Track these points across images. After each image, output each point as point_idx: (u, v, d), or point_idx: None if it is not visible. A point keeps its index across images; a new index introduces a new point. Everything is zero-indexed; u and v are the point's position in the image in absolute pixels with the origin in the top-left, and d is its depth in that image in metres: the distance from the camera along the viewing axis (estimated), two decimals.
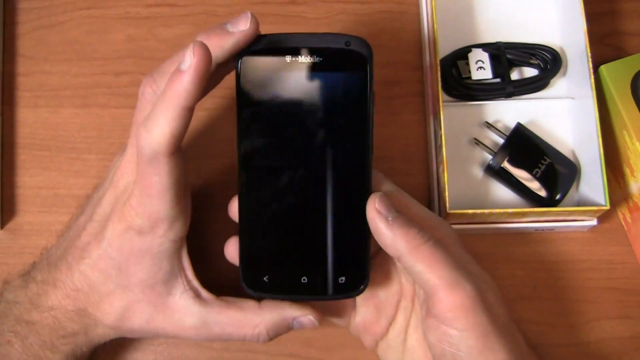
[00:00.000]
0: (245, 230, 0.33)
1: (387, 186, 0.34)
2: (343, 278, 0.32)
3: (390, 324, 0.35)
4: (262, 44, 0.31)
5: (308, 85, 0.31)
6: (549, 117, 0.45)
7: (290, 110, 0.31)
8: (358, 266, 0.33)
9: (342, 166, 0.32)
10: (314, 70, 0.31)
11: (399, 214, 0.31)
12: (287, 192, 0.32)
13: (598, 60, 0.43)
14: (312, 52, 0.31)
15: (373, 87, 0.32)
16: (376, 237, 0.31)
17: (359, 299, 0.36)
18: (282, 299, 0.34)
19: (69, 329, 0.34)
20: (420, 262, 0.30)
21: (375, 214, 0.31)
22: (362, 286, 0.33)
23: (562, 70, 0.45)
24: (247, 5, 0.47)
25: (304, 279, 0.33)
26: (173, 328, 0.34)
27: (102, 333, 0.35)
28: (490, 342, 0.29)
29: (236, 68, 0.31)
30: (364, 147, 0.32)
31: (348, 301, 0.37)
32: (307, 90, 0.31)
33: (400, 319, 0.35)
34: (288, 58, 0.31)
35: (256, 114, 0.32)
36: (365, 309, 0.36)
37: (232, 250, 0.34)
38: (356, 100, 0.31)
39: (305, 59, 0.31)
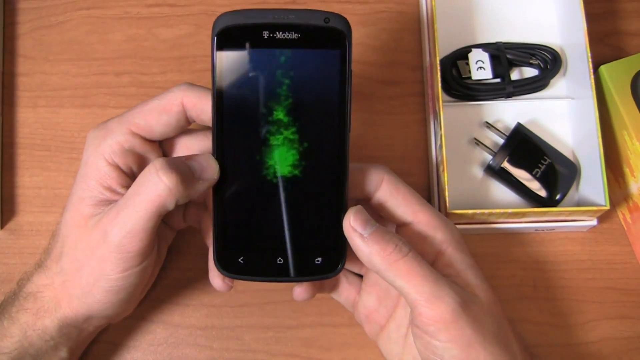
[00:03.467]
0: (219, 211, 0.32)
1: (390, 180, 0.33)
2: (319, 259, 0.32)
3: (390, 315, 0.36)
4: (240, 19, 0.30)
5: (285, 62, 0.30)
6: (549, 117, 0.45)
7: (267, 88, 0.31)
8: (334, 246, 0.32)
9: (318, 144, 0.31)
10: (292, 46, 0.30)
11: (378, 226, 0.31)
12: (261, 172, 0.31)
13: (598, 60, 0.43)
14: (290, 28, 0.30)
15: (351, 64, 0.31)
16: (355, 252, 0.31)
17: (364, 285, 0.36)
18: (257, 281, 0.33)
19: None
20: (399, 277, 0.30)
21: (351, 231, 0.31)
22: (339, 266, 0.32)
23: (562, 70, 0.45)
24: (247, 5, 0.47)
25: (280, 260, 0.32)
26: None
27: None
28: (475, 352, 0.29)
29: (212, 44, 0.30)
30: (341, 124, 0.31)
31: (354, 283, 0.37)
32: (284, 67, 0.30)
33: (400, 313, 0.35)
34: (265, 34, 0.30)
35: (232, 92, 0.31)
36: (367, 297, 0.36)
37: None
38: (334, 78, 0.31)
39: (283, 35, 0.30)
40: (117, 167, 0.33)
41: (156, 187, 0.30)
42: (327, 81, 0.31)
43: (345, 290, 0.38)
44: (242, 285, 0.42)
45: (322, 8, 0.47)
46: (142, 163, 0.34)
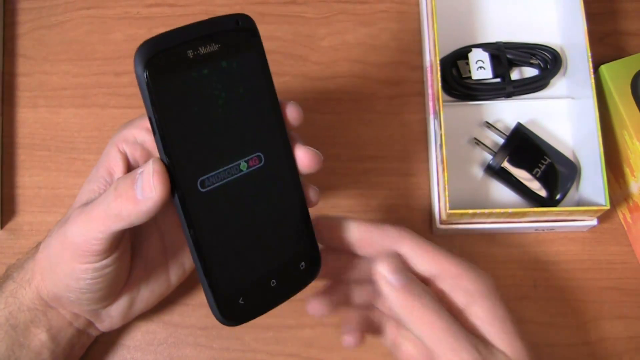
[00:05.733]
0: (204, 263, 0.30)
1: (412, 237, 0.33)
2: (302, 263, 0.32)
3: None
4: (160, 45, 0.28)
5: (217, 74, 0.29)
6: (549, 117, 0.45)
7: (208, 111, 0.29)
8: (309, 244, 0.32)
9: (268, 149, 0.30)
10: (218, 57, 0.29)
11: (409, 277, 0.31)
12: (229, 200, 0.30)
13: (598, 60, 0.43)
14: (210, 40, 0.29)
15: (267, 63, 0.30)
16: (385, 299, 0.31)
17: (403, 329, 0.35)
18: (262, 314, 0.32)
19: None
20: (419, 327, 0.30)
21: (380, 277, 0.31)
22: (319, 262, 0.32)
23: (562, 70, 0.45)
24: (247, 5, 0.47)
25: (273, 282, 0.31)
26: None
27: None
28: None
29: (140, 82, 0.28)
30: (279, 123, 0.31)
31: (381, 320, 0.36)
32: (218, 80, 0.29)
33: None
34: (190, 53, 0.28)
35: (177, 126, 0.28)
36: (406, 341, 0.35)
37: None
38: (261, 77, 0.30)
39: (206, 49, 0.29)
40: (124, 156, 0.33)
41: (109, 206, 0.29)
42: (257, 82, 0.30)
43: (390, 333, 0.37)
44: None
45: (322, 8, 0.48)
46: (146, 159, 0.34)
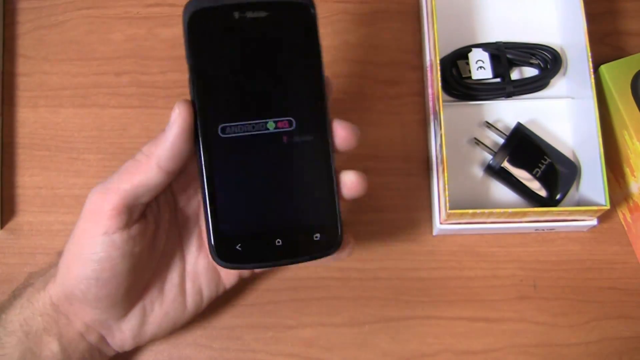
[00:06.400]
0: (210, 199, 0.31)
1: None
2: (317, 235, 0.31)
3: None
4: (209, 2, 0.30)
5: (259, 40, 0.31)
6: (549, 117, 0.45)
7: (244, 67, 0.31)
8: (330, 220, 0.31)
9: (302, 116, 0.31)
10: (264, 24, 0.30)
11: None
12: (250, 152, 0.31)
13: (598, 60, 0.43)
14: (260, 7, 0.30)
15: (319, 35, 0.31)
16: None
17: None
18: (258, 268, 0.32)
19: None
20: None
21: None
22: (338, 241, 0.31)
23: (562, 70, 0.45)
24: None
25: (278, 242, 0.31)
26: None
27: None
28: None
29: (184, 25, 0.30)
30: (320, 94, 0.31)
31: None
32: (258, 45, 0.31)
33: None
34: (236, 14, 0.30)
35: (210, 73, 0.31)
36: None
37: None
38: (309, 51, 0.31)
39: (254, 14, 0.30)
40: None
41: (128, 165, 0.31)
42: (303, 54, 0.31)
43: None
44: (242, 285, 0.42)
45: (322, 8, 0.47)
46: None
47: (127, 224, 0.31)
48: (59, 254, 0.34)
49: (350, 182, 0.32)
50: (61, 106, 0.45)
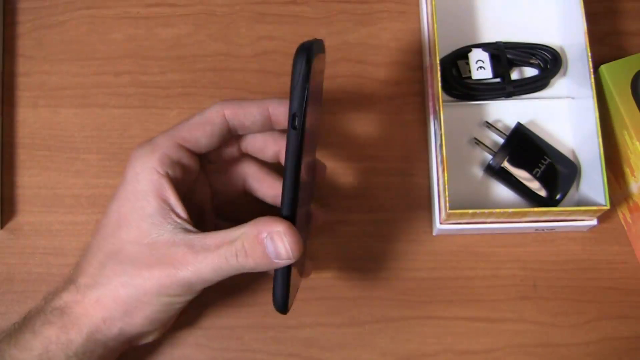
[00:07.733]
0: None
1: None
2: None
3: None
4: (318, 46, 0.31)
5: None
6: (549, 117, 0.45)
7: (315, 102, 0.33)
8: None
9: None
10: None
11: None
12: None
13: (598, 60, 0.43)
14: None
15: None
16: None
17: None
18: None
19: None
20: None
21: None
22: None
23: (562, 70, 0.45)
24: (247, 5, 0.47)
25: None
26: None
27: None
28: None
29: (308, 66, 0.30)
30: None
31: None
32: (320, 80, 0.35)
33: None
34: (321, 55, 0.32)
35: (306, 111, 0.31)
36: None
37: None
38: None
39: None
40: (168, 177, 0.34)
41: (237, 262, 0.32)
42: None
43: None
44: (242, 285, 0.42)
45: (322, 8, 0.48)
46: (187, 175, 0.35)
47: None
48: (71, 282, 0.34)
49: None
50: (61, 106, 0.45)
